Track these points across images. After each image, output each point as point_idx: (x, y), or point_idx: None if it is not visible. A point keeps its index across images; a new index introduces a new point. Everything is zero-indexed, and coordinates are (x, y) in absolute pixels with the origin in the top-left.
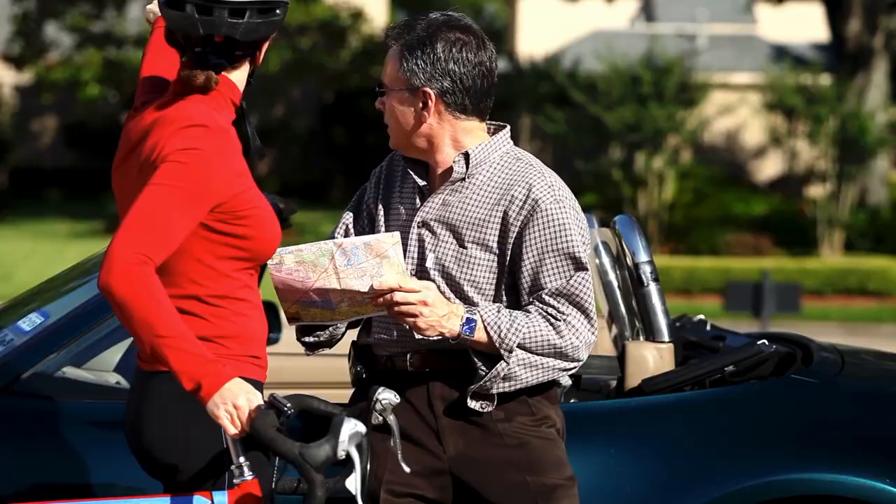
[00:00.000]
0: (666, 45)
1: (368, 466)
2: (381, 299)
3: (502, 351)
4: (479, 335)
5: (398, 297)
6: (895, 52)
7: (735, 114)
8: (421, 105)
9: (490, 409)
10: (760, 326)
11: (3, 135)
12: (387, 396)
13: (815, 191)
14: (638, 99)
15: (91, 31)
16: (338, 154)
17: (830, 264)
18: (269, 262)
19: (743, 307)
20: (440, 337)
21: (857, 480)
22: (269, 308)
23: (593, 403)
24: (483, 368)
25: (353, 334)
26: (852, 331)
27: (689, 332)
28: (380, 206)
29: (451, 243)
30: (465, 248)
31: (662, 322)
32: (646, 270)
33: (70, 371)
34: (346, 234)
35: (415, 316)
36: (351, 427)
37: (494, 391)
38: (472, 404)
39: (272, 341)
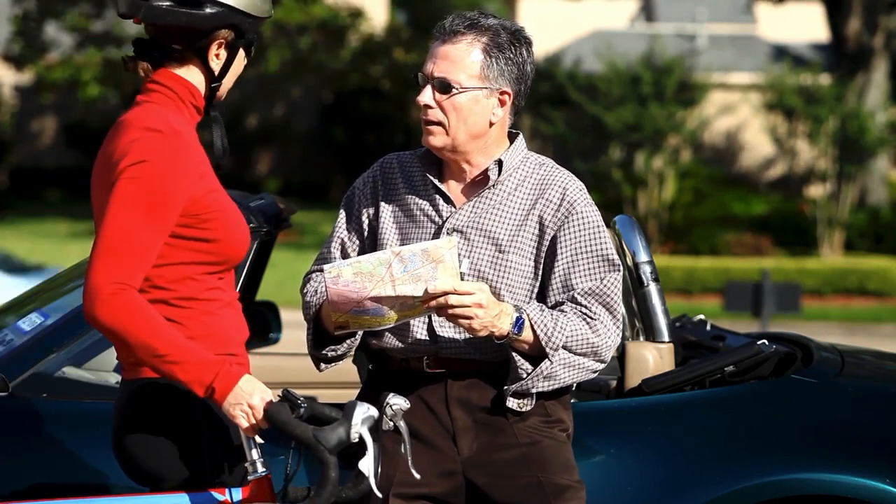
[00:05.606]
0: (666, 45)
1: (381, 457)
2: (434, 302)
3: (548, 350)
4: (526, 334)
5: (453, 299)
6: (895, 52)
7: (735, 114)
8: (497, 105)
9: (528, 407)
10: (760, 326)
11: (3, 135)
12: (397, 402)
13: (815, 191)
14: (638, 99)
15: (91, 31)
16: (338, 154)
17: (830, 264)
18: (326, 275)
19: (743, 307)
20: (489, 335)
21: (857, 480)
22: (270, 308)
23: (593, 403)
24: (523, 368)
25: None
26: (852, 331)
27: (689, 332)
28: (382, 214)
29: (488, 249)
30: (502, 253)
31: (662, 322)
32: (646, 270)
33: (70, 371)
34: (343, 249)
35: (469, 318)
36: (364, 411)
37: (535, 390)
38: (511, 403)
39: (272, 341)
